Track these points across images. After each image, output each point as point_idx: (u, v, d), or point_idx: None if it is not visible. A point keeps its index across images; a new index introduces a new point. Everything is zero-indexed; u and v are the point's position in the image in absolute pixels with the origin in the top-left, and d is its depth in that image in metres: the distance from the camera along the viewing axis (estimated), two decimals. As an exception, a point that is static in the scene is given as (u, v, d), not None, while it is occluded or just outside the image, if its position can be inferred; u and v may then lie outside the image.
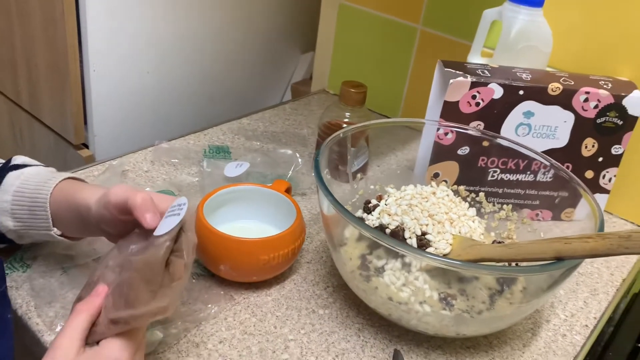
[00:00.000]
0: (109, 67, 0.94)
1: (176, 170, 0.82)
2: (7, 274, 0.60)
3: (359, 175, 0.72)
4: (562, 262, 0.51)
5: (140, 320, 0.43)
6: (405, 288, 0.57)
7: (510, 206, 0.71)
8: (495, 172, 0.75)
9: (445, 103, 0.72)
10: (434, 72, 0.77)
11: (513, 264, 0.62)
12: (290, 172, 0.77)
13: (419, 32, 1.00)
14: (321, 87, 1.18)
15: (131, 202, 0.47)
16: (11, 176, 0.57)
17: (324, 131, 0.83)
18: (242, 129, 0.95)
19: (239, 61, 1.17)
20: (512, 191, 0.75)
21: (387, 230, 0.63)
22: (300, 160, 0.79)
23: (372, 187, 0.72)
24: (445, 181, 0.76)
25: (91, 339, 0.44)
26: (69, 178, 0.57)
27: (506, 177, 0.75)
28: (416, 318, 0.55)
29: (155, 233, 0.46)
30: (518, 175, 0.74)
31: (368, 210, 0.68)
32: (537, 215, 0.75)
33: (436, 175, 0.77)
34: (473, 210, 0.68)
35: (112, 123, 0.99)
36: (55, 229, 0.55)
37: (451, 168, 0.76)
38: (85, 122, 0.98)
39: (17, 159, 0.60)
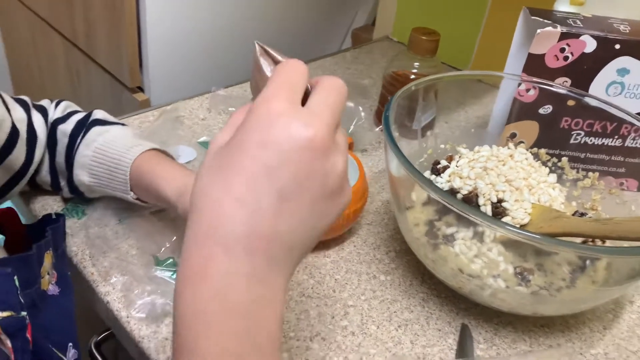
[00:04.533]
0: (165, 8, 0.90)
1: (233, 118, 0.78)
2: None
3: (428, 133, 0.67)
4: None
5: None
6: (477, 259, 0.52)
7: (596, 174, 0.64)
8: (579, 134, 0.68)
9: (530, 55, 0.65)
10: (511, 21, 0.69)
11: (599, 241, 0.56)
12: (352, 126, 0.72)
13: (498, -24, 0.91)
14: (385, 33, 1.11)
15: None
16: (94, 131, 0.56)
17: (390, 82, 0.77)
18: (302, 77, 0.90)
19: (298, 8, 1.10)
20: (596, 157, 0.68)
21: (459, 195, 0.58)
22: (363, 114, 0.74)
23: (442, 146, 0.66)
24: (522, 142, 0.69)
25: None
26: (153, 149, 0.55)
27: (591, 140, 0.68)
28: (489, 293, 0.51)
29: None
30: (604, 139, 0.67)
31: (437, 171, 0.63)
32: (621, 184, 0.68)
33: (513, 136, 0.70)
34: (554, 177, 0.62)
35: (168, 67, 0.96)
36: (132, 193, 0.54)
37: (530, 128, 0.69)
38: (141, 66, 0.95)
39: (98, 114, 0.59)
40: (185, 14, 0.93)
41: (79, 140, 0.55)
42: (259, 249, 0.28)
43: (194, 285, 0.28)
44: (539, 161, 0.65)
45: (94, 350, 0.56)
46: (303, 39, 1.17)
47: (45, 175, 0.57)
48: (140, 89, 0.98)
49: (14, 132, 0.52)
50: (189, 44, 0.97)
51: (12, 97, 0.54)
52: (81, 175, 0.55)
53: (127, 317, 0.50)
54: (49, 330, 0.41)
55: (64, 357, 0.40)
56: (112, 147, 0.54)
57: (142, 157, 0.53)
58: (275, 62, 0.36)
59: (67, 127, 0.56)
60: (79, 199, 0.61)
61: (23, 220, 0.51)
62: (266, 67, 0.36)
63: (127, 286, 0.52)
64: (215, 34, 0.99)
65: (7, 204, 0.55)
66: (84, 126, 0.56)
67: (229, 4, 0.98)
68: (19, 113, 0.54)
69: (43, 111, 0.57)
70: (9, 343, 0.33)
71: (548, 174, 0.62)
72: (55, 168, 0.57)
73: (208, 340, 0.27)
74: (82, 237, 0.57)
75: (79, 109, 0.60)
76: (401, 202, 0.56)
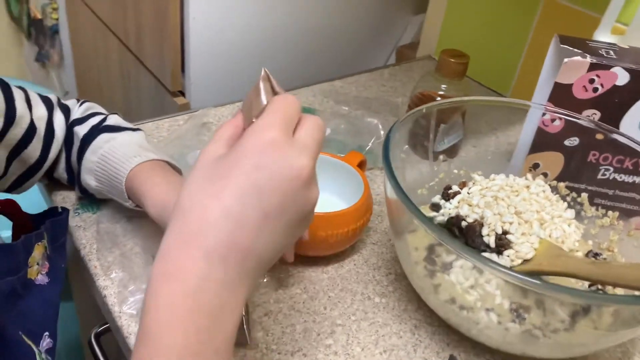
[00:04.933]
0: (209, 16, 0.93)
1: (258, 128, 0.80)
2: (79, 213, 0.62)
3: (441, 157, 0.65)
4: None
5: None
6: (472, 290, 0.51)
7: (616, 213, 0.60)
8: (607, 170, 0.65)
9: (556, 85, 0.63)
10: (552, 47, 0.67)
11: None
12: (370, 143, 0.72)
13: (543, 0, 0.88)
14: (428, 52, 1.10)
15: None
16: (102, 138, 0.58)
17: (416, 102, 0.76)
18: (334, 91, 0.91)
19: (345, 19, 1.11)
20: (625, 195, 0.64)
21: (463, 223, 0.56)
22: (382, 132, 0.73)
23: (455, 171, 0.65)
24: (545, 174, 0.67)
25: None
26: (153, 160, 0.56)
27: (620, 177, 0.64)
28: (477, 328, 0.49)
29: None
30: (635, 177, 0.63)
31: (447, 197, 0.61)
32: (651, 225, 0.64)
33: (536, 166, 0.68)
34: (572, 212, 0.59)
35: (209, 73, 0.99)
36: (130, 202, 0.56)
37: (555, 160, 0.66)
38: (184, 70, 0.98)
39: (111, 119, 0.61)
40: (229, 22, 0.96)
41: (88, 146, 0.57)
42: (235, 260, 0.31)
43: (170, 282, 0.30)
44: (557, 194, 0.62)
45: (93, 342, 0.58)
46: (348, 54, 1.17)
47: (62, 172, 0.61)
48: (182, 93, 1.01)
49: (31, 128, 0.55)
50: (232, 52, 0.99)
51: (38, 95, 0.58)
52: (88, 180, 0.57)
53: (120, 312, 0.52)
54: (27, 317, 0.43)
55: (32, 345, 0.42)
56: (114, 156, 0.55)
57: (138, 169, 0.54)
58: (274, 91, 0.38)
59: (81, 130, 0.59)
60: (96, 195, 0.63)
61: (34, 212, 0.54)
62: (263, 93, 0.37)
63: (124, 283, 0.54)
64: (258, 43, 1.02)
65: (7, 195, 0.58)
66: (95, 131, 0.58)
67: (274, 14, 1.00)
68: (40, 111, 0.57)
69: (66, 111, 0.60)
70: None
71: (565, 209, 0.60)
72: (71, 166, 0.60)
73: (174, 336, 0.29)
74: (92, 231, 0.60)
75: (100, 110, 0.63)
76: (397, 225, 0.55)
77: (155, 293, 0.30)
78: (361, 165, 0.63)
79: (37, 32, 1.68)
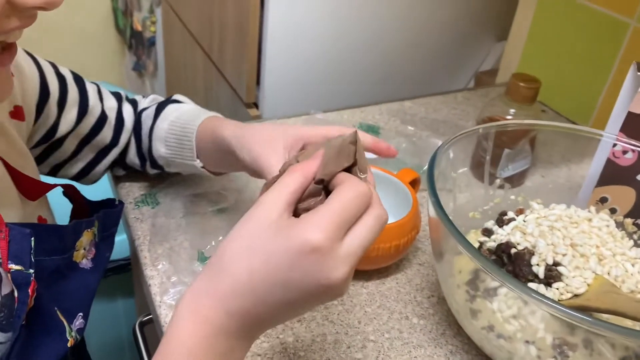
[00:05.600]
0: (286, 32, 0.96)
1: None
2: (139, 206, 0.65)
3: (498, 181, 0.63)
4: None
5: None
6: (514, 320, 0.48)
7: (687, 256, 0.55)
8: (684, 209, 0.59)
9: (630, 115, 0.59)
10: None
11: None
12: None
13: (631, 29, 0.83)
14: (507, 79, 1.06)
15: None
16: (170, 108, 0.62)
17: (482, 126, 0.74)
18: (401, 111, 0.90)
19: (426, 41, 1.10)
20: (703, 238, 0.59)
21: (513, 250, 0.53)
22: (442, 153, 0.71)
23: (512, 197, 0.62)
24: (614, 210, 0.62)
25: (302, 207, 0.36)
26: (216, 116, 0.59)
27: (698, 218, 0.59)
28: (513, 359, 0.47)
29: None
30: None
31: (501, 222, 0.59)
32: None
33: (604, 200, 0.64)
34: (638, 251, 0.55)
35: (282, 87, 1.02)
36: (198, 160, 0.58)
37: (626, 195, 0.62)
38: (259, 84, 1.02)
39: (178, 96, 0.65)
40: (306, 40, 0.98)
41: (158, 116, 0.61)
42: (250, 324, 0.34)
43: (195, 323, 0.34)
44: (623, 231, 0.58)
45: (137, 330, 0.61)
46: (427, 74, 1.16)
47: (133, 157, 0.65)
48: (256, 105, 1.05)
49: (103, 116, 0.60)
50: (305, 69, 1.02)
51: (109, 91, 0.63)
52: (159, 148, 0.61)
53: (160, 302, 0.54)
54: (65, 296, 0.46)
55: (65, 321, 0.44)
56: (181, 119, 0.59)
57: (205, 122, 0.57)
58: (355, 161, 0.37)
59: (150, 111, 0.63)
60: (157, 189, 0.67)
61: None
62: (341, 157, 0.37)
63: (169, 274, 0.56)
64: (332, 61, 1.03)
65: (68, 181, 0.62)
66: (163, 105, 0.63)
67: (352, 34, 1.02)
68: (111, 102, 0.62)
69: (134, 103, 0.66)
70: (15, 293, 0.38)
71: (631, 247, 0.56)
72: (142, 152, 0.64)
73: None
74: (149, 224, 0.63)
75: (163, 98, 0.67)
76: (438, 245, 0.53)
77: (178, 325, 0.34)
78: (414, 184, 0.62)
79: (137, 43, 1.81)
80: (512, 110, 0.72)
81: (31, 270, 0.39)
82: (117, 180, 0.69)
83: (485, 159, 0.62)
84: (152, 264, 0.58)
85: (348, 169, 0.38)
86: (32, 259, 0.39)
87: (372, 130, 0.82)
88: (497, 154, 0.67)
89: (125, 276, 1.12)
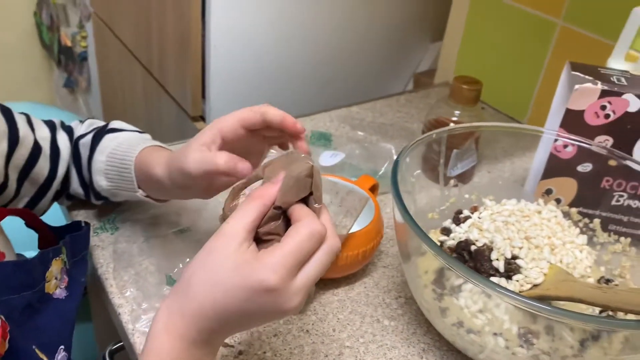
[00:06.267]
0: (230, 42, 0.95)
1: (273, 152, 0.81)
2: (98, 233, 0.64)
3: (452, 182, 0.66)
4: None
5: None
6: (481, 315, 0.51)
7: (628, 239, 0.60)
8: (621, 196, 0.64)
9: (568, 111, 0.63)
10: (568, 73, 0.67)
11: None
12: (383, 168, 0.73)
13: (558, 28, 0.89)
14: (445, 79, 1.11)
15: (215, 169, 0.47)
16: (107, 138, 0.60)
17: (430, 128, 0.77)
18: (349, 117, 0.92)
19: (363, 47, 1.13)
20: (639, 221, 0.64)
21: (472, 247, 0.56)
22: (395, 157, 0.74)
23: (466, 195, 0.65)
24: (559, 200, 0.67)
25: (262, 231, 0.40)
26: (156, 146, 0.59)
27: (634, 204, 0.64)
28: (484, 352, 0.49)
29: None
30: (651, 203, 0.63)
31: (458, 221, 0.62)
32: (668, 252, 0.64)
33: (549, 192, 0.68)
34: (584, 238, 0.59)
35: (229, 98, 1.02)
36: (140, 191, 0.57)
37: (568, 185, 0.67)
38: (204, 96, 1.01)
39: (115, 124, 0.64)
40: (249, 49, 0.99)
41: (95, 149, 0.59)
42: (216, 339, 0.40)
43: (169, 336, 0.38)
44: (570, 220, 0.62)
45: (107, 358, 0.59)
46: (366, 81, 1.19)
47: (77, 187, 0.63)
48: (202, 118, 1.04)
49: (36, 148, 0.58)
50: (251, 78, 1.02)
51: (41, 120, 0.61)
52: (100, 181, 0.59)
53: (133, 329, 0.53)
54: (42, 331, 0.44)
55: (45, 359, 0.43)
56: (120, 150, 0.57)
57: (142, 153, 0.56)
58: (310, 193, 0.41)
59: (87, 139, 0.61)
60: (115, 214, 0.65)
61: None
62: (299, 191, 0.41)
63: (139, 301, 0.55)
64: (276, 70, 1.04)
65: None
66: (100, 135, 0.61)
67: (293, 42, 1.03)
68: (43, 132, 0.60)
69: (69, 130, 0.63)
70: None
71: (577, 235, 0.60)
72: (85, 180, 0.62)
73: None
74: (110, 251, 0.62)
75: (102, 123, 0.65)
76: (407, 249, 0.56)
77: (155, 342, 0.38)
78: (373, 190, 0.64)
79: (67, 58, 1.74)
80: (456, 112, 0.76)
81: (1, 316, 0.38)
82: (70, 208, 0.67)
83: (439, 161, 0.65)
84: (120, 292, 0.57)
85: (305, 198, 0.41)
86: None
87: (325, 137, 0.83)
88: (447, 155, 0.70)
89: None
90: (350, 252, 0.56)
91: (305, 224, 0.38)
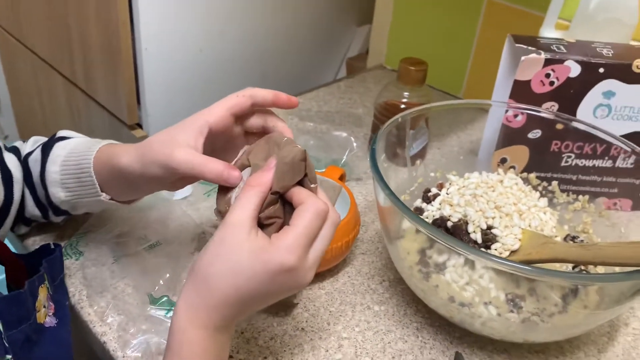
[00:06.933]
0: (161, 45, 0.92)
1: (228, 153, 0.80)
2: (61, 261, 0.60)
3: (418, 161, 0.68)
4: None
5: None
6: (468, 287, 0.52)
7: (586, 197, 0.64)
8: (569, 157, 0.69)
9: (516, 82, 0.66)
10: (500, 46, 0.70)
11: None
12: (345, 157, 0.73)
13: (485, 2, 0.92)
14: (378, 62, 1.13)
15: (203, 177, 0.45)
16: (58, 147, 0.56)
17: (381, 112, 0.78)
18: (296, 108, 0.92)
19: (292, 37, 1.13)
20: (588, 178, 0.69)
21: (449, 223, 0.58)
22: (355, 144, 0.75)
23: (432, 174, 0.67)
24: (513, 167, 0.70)
25: (263, 216, 0.42)
26: (111, 144, 0.55)
27: (581, 162, 0.68)
28: (480, 322, 0.51)
29: None
30: (595, 160, 0.68)
31: (428, 199, 0.63)
32: (615, 204, 0.69)
33: (504, 161, 0.71)
34: (544, 201, 0.62)
35: (165, 102, 0.98)
36: (104, 194, 0.54)
37: (521, 153, 0.70)
38: (139, 102, 0.97)
39: (62, 132, 0.60)
40: (182, 50, 0.95)
41: (46, 161, 0.56)
42: (234, 320, 0.42)
43: (195, 328, 0.40)
44: (529, 185, 0.65)
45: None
46: (299, 71, 1.19)
47: (32, 209, 0.58)
48: (139, 125, 1.00)
49: None
50: (186, 79, 0.99)
51: None
52: (57, 193, 0.55)
53: (123, 357, 0.50)
54: None
55: None
56: (74, 155, 0.54)
57: (99, 153, 0.53)
58: (305, 174, 0.43)
59: (36, 154, 0.57)
60: (76, 238, 0.62)
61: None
62: (298, 174, 0.43)
63: (123, 326, 0.52)
64: (211, 68, 1.02)
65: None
66: (49, 147, 0.57)
67: (224, 39, 1.00)
68: None
69: (16, 151, 0.59)
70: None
71: (539, 198, 0.63)
72: (39, 198, 0.58)
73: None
74: (79, 277, 0.58)
75: (46, 139, 0.61)
76: (391, 232, 0.57)
77: (182, 332, 0.40)
78: (342, 179, 0.65)
79: (-32, 77, 1.61)
80: (405, 94, 0.77)
81: (8, 357, 0.35)
82: (23, 237, 0.63)
83: (406, 144, 0.66)
84: (100, 320, 0.54)
85: (300, 181, 0.44)
86: (5, 342, 0.35)
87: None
88: (403, 136, 0.72)
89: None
90: (334, 244, 0.56)
91: (309, 205, 0.41)
